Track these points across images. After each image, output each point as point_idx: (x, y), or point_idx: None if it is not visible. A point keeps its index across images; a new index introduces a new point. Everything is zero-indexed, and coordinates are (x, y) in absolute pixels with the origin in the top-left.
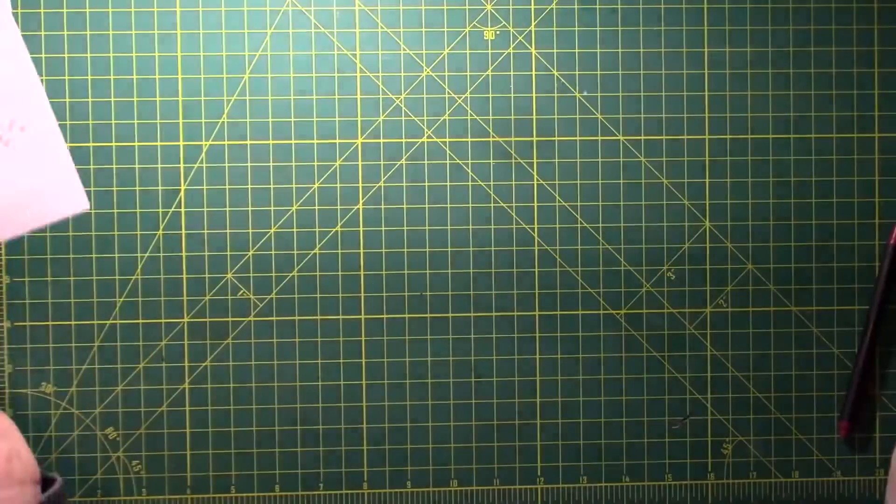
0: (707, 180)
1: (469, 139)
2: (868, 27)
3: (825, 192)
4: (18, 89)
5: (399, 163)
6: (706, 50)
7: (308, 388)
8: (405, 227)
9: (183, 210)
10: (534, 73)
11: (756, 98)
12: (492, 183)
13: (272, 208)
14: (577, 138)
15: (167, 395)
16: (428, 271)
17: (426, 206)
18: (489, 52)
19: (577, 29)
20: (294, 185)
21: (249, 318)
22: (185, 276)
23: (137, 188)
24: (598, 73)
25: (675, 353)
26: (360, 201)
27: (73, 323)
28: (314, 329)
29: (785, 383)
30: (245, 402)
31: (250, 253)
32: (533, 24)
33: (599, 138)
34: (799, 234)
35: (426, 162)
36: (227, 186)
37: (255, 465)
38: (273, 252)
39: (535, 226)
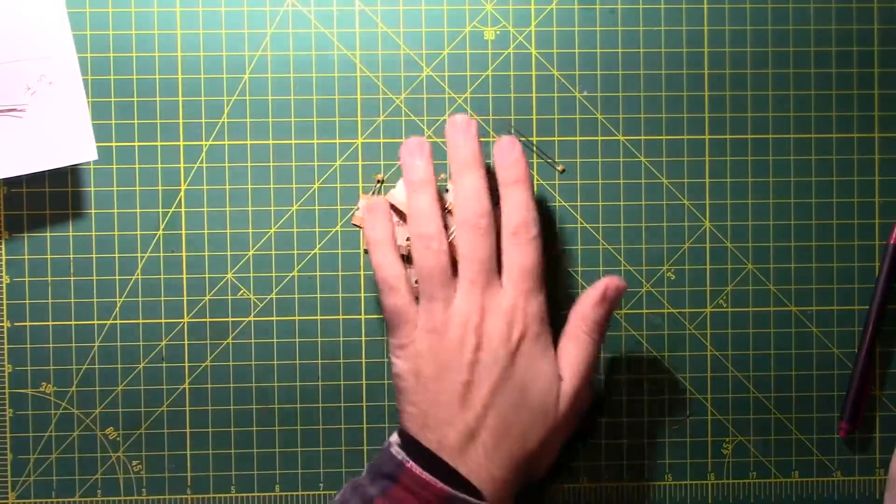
0: (707, 180)
1: None
2: (868, 27)
3: (825, 192)
4: (53, 48)
5: (400, 163)
6: (706, 50)
7: (308, 388)
8: None
9: (183, 210)
10: (534, 73)
11: (756, 98)
12: None
13: (272, 208)
14: (577, 138)
15: (167, 395)
16: None
17: None
18: (489, 52)
19: (576, 29)
20: (294, 185)
21: (249, 318)
22: (185, 276)
23: (138, 188)
24: (598, 73)
25: (675, 353)
26: None
27: (73, 323)
28: (314, 329)
29: (785, 383)
30: (245, 402)
31: (250, 253)
32: (533, 24)
33: (599, 138)
34: (799, 234)
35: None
36: (227, 186)
37: (255, 465)
38: (273, 252)
39: None
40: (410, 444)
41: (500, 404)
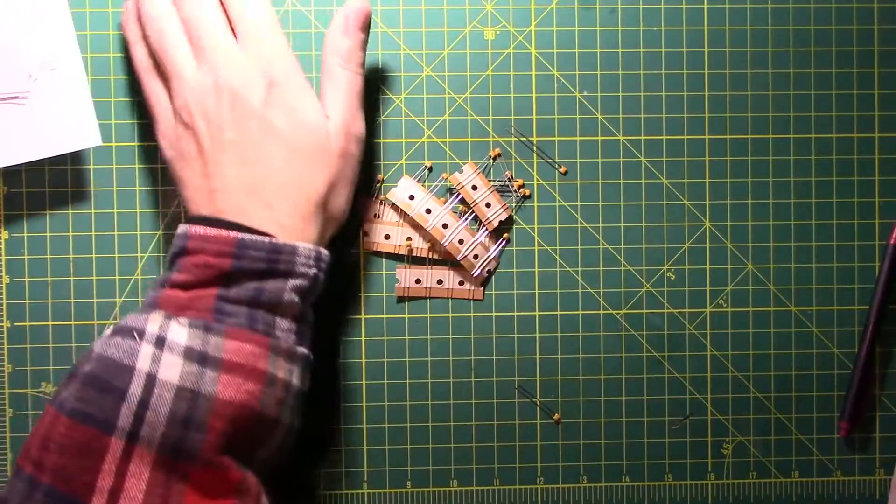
0: (707, 180)
1: (469, 139)
2: (868, 27)
3: (825, 192)
4: (53, 36)
5: (399, 163)
6: (706, 50)
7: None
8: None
9: (183, 210)
10: (534, 72)
11: (756, 98)
12: (492, 183)
13: None
14: (577, 138)
15: None
16: None
17: None
18: (489, 51)
19: (576, 29)
20: None
21: None
22: None
23: (137, 188)
24: (598, 72)
25: (675, 353)
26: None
27: (73, 323)
28: (315, 329)
29: (785, 383)
30: None
31: None
32: (533, 23)
33: (599, 138)
34: (799, 234)
35: (426, 162)
36: None
37: None
38: None
39: (535, 226)
40: (194, 220)
41: (265, 158)
